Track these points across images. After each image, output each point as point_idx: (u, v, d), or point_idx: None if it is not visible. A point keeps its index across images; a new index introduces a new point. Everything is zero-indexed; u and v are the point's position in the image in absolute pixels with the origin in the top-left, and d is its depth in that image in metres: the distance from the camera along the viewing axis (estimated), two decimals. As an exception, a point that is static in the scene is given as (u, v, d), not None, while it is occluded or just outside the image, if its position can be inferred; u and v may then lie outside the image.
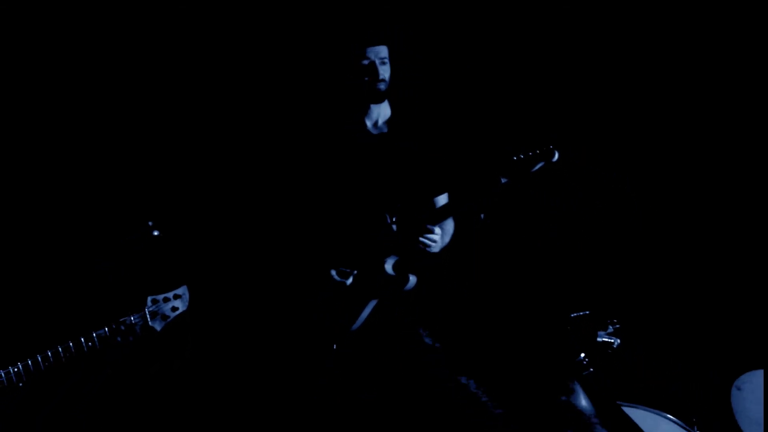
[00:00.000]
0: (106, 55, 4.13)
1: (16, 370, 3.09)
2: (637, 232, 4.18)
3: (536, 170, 3.31)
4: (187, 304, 3.30)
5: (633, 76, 4.25)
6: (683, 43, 4.19)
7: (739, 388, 3.47)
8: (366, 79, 3.60)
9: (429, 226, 3.52)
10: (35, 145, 4.03)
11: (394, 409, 3.46)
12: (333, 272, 3.61)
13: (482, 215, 3.48)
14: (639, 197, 4.22)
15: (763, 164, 4.07)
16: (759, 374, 3.50)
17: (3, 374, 3.09)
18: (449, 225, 3.75)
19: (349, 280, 3.60)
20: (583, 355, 3.08)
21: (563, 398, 2.88)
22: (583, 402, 2.89)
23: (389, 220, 3.63)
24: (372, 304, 3.63)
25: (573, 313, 3.38)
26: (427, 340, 3.37)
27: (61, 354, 3.11)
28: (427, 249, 3.56)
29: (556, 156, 3.29)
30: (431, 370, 3.43)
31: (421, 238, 3.52)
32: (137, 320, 3.20)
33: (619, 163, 4.21)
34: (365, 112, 3.73)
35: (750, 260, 4.04)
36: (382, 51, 3.61)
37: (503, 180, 3.33)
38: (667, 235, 4.18)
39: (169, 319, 3.26)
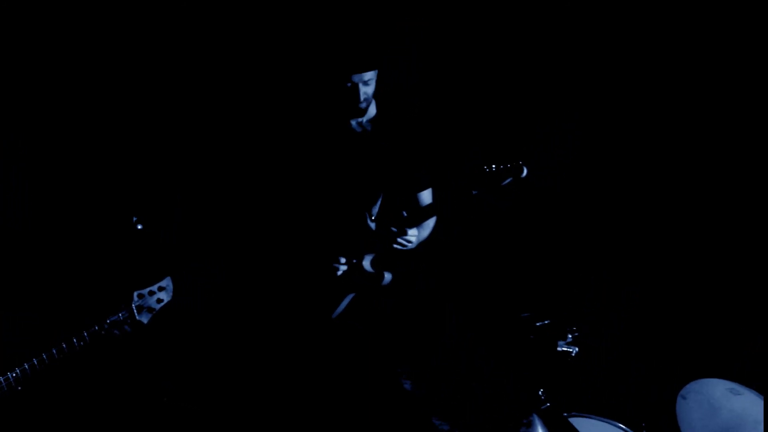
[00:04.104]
0: (88, 53, 4.15)
1: (14, 375, 3.19)
2: (590, 243, 4.39)
3: (505, 184, 3.48)
4: (171, 294, 3.45)
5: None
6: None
7: (684, 397, 3.67)
8: (348, 99, 3.72)
9: (406, 228, 3.70)
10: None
11: None
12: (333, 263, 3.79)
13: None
14: (600, 208, 4.42)
15: (720, 180, 4.28)
16: (702, 383, 3.69)
17: (2, 380, 3.18)
18: (430, 220, 3.91)
19: (340, 271, 3.78)
20: (541, 391, 3.31)
21: (522, 429, 3.11)
22: (540, 432, 3.14)
23: (369, 219, 3.80)
24: (349, 297, 3.82)
25: (537, 323, 3.59)
26: (407, 386, 3.57)
27: (56, 355, 3.23)
28: (404, 248, 3.76)
29: (525, 172, 3.45)
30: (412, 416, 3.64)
31: (398, 239, 3.70)
32: (125, 316, 3.37)
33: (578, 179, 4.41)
34: (349, 116, 3.85)
35: (694, 278, 4.26)
36: (367, 75, 3.69)
37: (474, 191, 3.49)
38: (619, 247, 4.39)
39: (155, 311, 3.42)
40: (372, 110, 3.88)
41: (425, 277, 4.31)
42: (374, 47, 3.79)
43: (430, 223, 3.93)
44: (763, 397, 3.62)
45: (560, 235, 4.45)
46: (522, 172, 3.46)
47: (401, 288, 3.97)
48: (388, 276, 3.86)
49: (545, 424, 3.11)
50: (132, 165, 4.22)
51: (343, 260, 3.76)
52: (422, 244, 3.92)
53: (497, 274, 4.38)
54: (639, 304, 4.24)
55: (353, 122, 3.85)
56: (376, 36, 4.10)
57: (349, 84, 3.67)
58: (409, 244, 3.74)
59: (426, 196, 3.95)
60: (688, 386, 3.70)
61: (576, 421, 3.48)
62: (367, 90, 3.71)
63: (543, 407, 3.24)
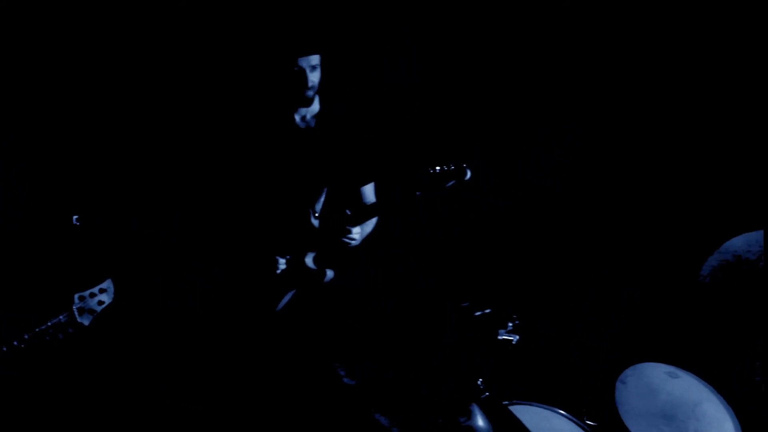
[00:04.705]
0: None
1: None
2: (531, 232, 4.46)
3: (449, 186, 3.53)
4: (112, 296, 3.45)
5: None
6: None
7: (623, 382, 3.72)
8: (295, 85, 3.71)
9: (349, 227, 3.73)
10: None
11: None
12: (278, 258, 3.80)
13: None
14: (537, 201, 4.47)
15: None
16: (641, 368, 3.77)
17: None
18: (372, 218, 3.95)
19: (281, 267, 3.79)
20: (480, 380, 3.36)
21: (462, 420, 3.15)
22: (480, 422, 3.17)
23: (312, 216, 3.82)
24: (291, 293, 3.84)
25: (476, 312, 3.63)
26: (346, 380, 3.60)
27: None
28: (348, 245, 3.79)
29: (468, 175, 3.51)
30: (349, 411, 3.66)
31: (342, 237, 3.75)
32: (65, 318, 3.35)
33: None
34: (294, 108, 3.85)
35: (629, 266, 4.35)
36: (314, 59, 3.70)
37: (418, 193, 3.54)
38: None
39: (96, 313, 3.42)
40: (315, 106, 3.89)
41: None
42: (320, 30, 3.80)
43: (373, 220, 3.96)
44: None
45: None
46: (465, 174, 3.53)
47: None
48: (330, 273, 3.89)
49: (485, 414, 3.17)
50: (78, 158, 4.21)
51: (285, 257, 3.78)
52: (366, 240, 3.96)
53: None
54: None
55: (297, 117, 3.86)
56: (322, 18, 4.12)
57: (296, 68, 3.67)
58: (353, 242, 3.78)
59: (369, 192, 3.97)
60: (626, 371, 3.75)
61: (517, 409, 3.53)
62: (313, 77, 3.71)
63: (482, 396, 3.30)
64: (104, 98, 4.19)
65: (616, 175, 4.46)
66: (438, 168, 3.51)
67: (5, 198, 4.06)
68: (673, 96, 4.38)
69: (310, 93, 3.73)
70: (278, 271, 3.77)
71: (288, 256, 3.78)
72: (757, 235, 3.85)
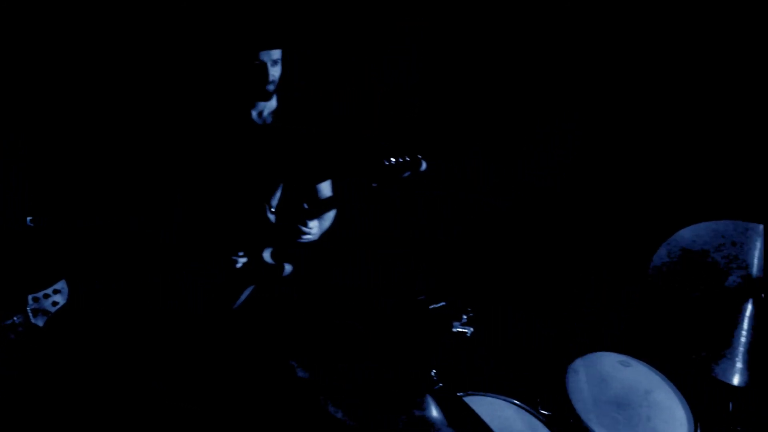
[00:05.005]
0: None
1: None
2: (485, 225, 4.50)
3: (405, 177, 3.57)
4: (67, 297, 3.45)
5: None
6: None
7: (575, 371, 3.77)
8: (256, 79, 3.72)
9: (306, 220, 3.75)
10: None
11: None
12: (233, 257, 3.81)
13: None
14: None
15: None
16: (592, 357, 3.84)
17: None
18: (330, 212, 3.98)
19: (239, 264, 3.80)
20: (434, 371, 3.39)
21: (416, 412, 3.19)
22: (435, 413, 3.21)
23: (268, 211, 3.84)
24: (250, 288, 3.86)
25: (431, 305, 3.66)
26: (300, 373, 3.62)
27: None
28: (306, 240, 3.81)
29: (424, 166, 3.55)
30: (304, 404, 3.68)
31: (298, 228, 3.77)
32: (20, 320, 3.34)
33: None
34: (252, 104, 3.86)
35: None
36: (275, 53, 3.71)
37: (374, 184, 3.57)
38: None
39: (51, 315, 3.42)
40: (273, 102, 3.90)
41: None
42: (282, 25, 3.81)
43: (331, 214, 3.98)
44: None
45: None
46: (421, 165, 3.56)
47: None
48: (288, 268, 3.91)
49: (439, 405, 3.20)
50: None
51: (241, 253, 3.79)
52: (326, 235, 3.98)
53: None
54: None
55: (254, 113, 3.87)
56: (284, 13, 4.13)
57: (257, 62, 3.68)
58: (311, 237, 3.80)
59: (325, 188, 4.00)
60: (578, 360, 3.82)
61: (471, 400, 3.58)
62: (274, 72, 3.72)
63: (436, 387, 3.33)
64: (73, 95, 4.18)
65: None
66: (393, 159, 3.54)
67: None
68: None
69: (271, 87, 3.75)
70: (237, 266, 3.78)
71: (242, 252, 3.79)
72: (706, 226, 3.92)
